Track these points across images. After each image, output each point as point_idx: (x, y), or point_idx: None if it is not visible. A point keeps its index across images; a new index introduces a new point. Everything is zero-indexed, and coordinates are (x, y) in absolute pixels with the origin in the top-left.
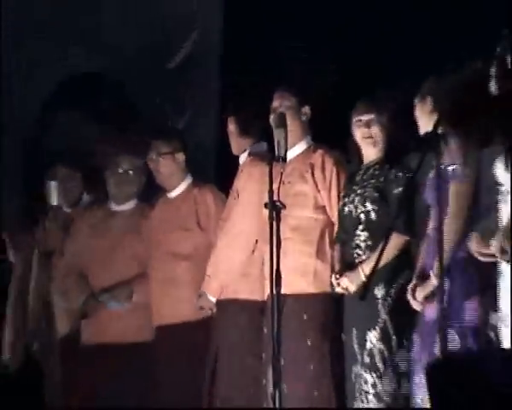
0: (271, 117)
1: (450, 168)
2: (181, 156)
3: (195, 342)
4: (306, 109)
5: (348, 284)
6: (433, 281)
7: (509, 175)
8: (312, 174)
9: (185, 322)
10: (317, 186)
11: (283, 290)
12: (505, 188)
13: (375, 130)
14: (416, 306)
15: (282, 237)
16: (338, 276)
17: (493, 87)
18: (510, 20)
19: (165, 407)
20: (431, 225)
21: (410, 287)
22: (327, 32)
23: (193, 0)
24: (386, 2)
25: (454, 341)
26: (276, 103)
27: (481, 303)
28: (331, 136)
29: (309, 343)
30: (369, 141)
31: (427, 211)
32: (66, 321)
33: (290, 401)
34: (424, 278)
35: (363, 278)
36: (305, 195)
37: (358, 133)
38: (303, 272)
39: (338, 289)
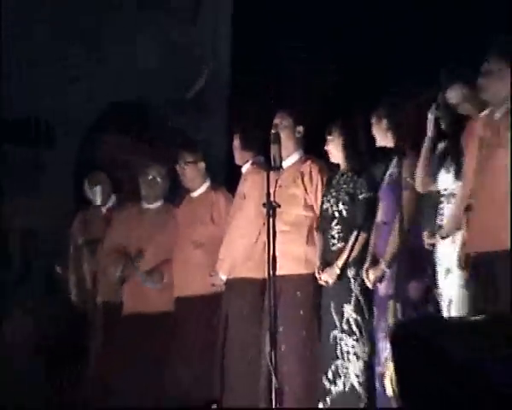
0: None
1: (404, 179)
2: (202, 165)
3: (207, 311)
4: (300, 128)
5: (328, 278)
6: (382, 266)
7: (454, 181)
8: (302, 180)
9: (200, 295)
10: (306, 190)
11: (282, 272)
12: (448, 192)
13: (330, 147)
14: (368, 284)
15: (279, 229)
16: (320, 272)
17: (439, 114)
18: (511, 21)
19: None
20: (379, 218)
21: (364, 269)
22: (332, 46)
23: (206, 43)
24: (389, 3)
25: (403, 312)
26: (276, 121)
27: (424, 282)
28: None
29: (302, 313)
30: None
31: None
32: (107, 292)
33: (287, 359)
34: (375, 262)
35: (338, 271)
36: (297, 196)
37: None
38: (296, 258)
39: (320, 282)
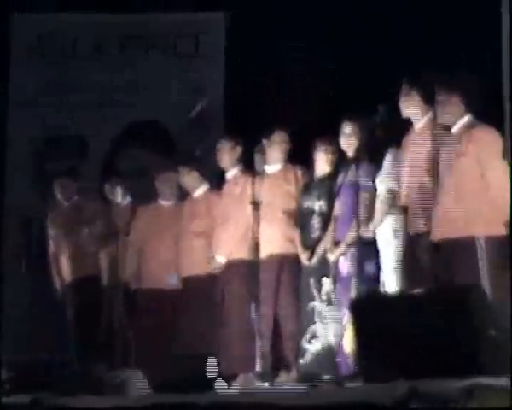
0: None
1: (362, 182)
2: (194, 174)
3: (207, 286)
4: (287, 146)
5: (314, 259)
6: (342, 247)
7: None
8: (295, 179)
9: (199, 274)
10: (296, 186)
11: (281, 251)
12: (379, 192)
13: (319, 158)
14: (332, 258)
15: (277, 217)
16: (305, 255)
17: (380, 132)
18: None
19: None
20: (336, 212)
21: (328, 248)
22: (332, 46)
23: (203, 76)
24: (389, 3)
25: (362, 286)
26: (268, 136)
27: (376, 263)
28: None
29: (298, 286)
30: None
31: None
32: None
33: (287, 322)
34: (337, 244)
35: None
36: (290, 192)
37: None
38: (291, 240)
39: (304, 262)
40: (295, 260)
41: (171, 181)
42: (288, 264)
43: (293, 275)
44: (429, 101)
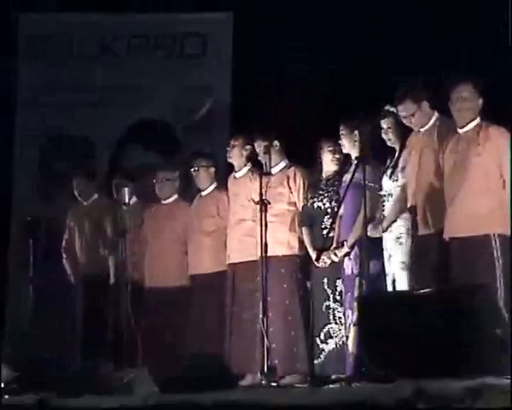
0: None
1: (366, 182)
2: (212, 169)
3: (214, 285)
4: (277, 143)
5: (327, 260)
6: (345, 248)
7: (391, 184)
8: (288, 182)
9: (207, 273)
10: (290, 189)
11: (270, 253)
12: (387, 192)
13: (325, 158)
14: (335, 259)
15: (269, 220)
16: (320, 256)
17: (385, 135)
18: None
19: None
20: (341, 211)
21: (331, 249)
22: (332, 46)
23: (210, 76)
24: (389, 3)
25: (364, 286)
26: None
27: (378, 263)
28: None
29: (285, 286)
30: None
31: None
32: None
33: (273, 323)
34: (340, 245)
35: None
36: (283, 195)
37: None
38: (281, 242)
39: (321, 264)
40: (281, 262)
41: (168, 180)
42: (274, 266)
43: (275, 277)
44: (439, 103)
